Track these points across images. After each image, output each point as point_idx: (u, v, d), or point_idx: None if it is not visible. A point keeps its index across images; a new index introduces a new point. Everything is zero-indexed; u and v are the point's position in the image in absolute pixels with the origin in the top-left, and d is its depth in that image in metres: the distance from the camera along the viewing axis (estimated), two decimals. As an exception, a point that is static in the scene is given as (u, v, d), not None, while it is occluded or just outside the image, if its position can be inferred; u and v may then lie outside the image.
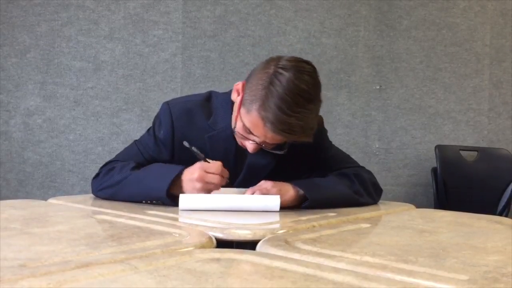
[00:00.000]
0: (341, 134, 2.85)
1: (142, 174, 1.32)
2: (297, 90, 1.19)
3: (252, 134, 1.27)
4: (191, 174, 1.26)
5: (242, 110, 1.28)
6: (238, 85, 1.33)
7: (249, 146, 1.30)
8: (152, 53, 2.72)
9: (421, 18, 2.92)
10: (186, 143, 1.32)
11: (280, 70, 1.21)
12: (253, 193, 1.28)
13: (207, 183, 1.25)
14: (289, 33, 2.83)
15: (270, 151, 1.33)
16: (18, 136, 2.68)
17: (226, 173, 1.29)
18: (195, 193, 1.26)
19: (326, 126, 1.54)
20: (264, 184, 1.29)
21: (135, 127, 2.70)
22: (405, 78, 2.92)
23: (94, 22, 2.69)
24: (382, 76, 2.91)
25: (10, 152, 2.68)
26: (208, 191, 1.26)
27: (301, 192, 1.30)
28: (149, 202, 1.32)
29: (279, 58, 1.26)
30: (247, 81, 1.30)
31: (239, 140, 1.35)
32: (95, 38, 2.70)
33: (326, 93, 2.84)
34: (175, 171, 1.27)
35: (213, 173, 1.26)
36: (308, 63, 1.27)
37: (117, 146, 2.61)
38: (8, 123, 2.68)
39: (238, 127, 1.30)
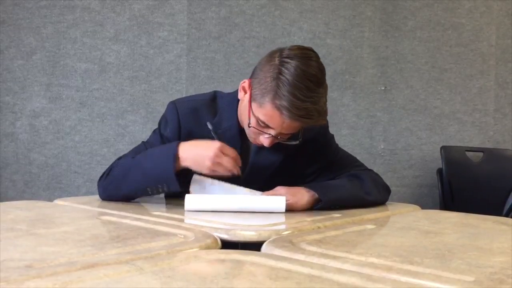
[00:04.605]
0: (346, 135, 2.85)
1: (140, 159, 1.34)
2: (306, 75, 1.21)
3: (268, 127, 1.27)
4: (206, 149, 1.25)
5: (254, 106, 1.28)
6: (244, 83, 1.33)
7: (265, 140, 1.29)
8: (157, 55, 2.73)
9: (426, 18, 2.91)
10: (209, 124, 1.34)
11: (286, 59, 1.23)
12: None
13: (219, 164, 1.24)
14: (294, 34, 2.83)
15: (285, 142, 1.32)
16: (24, 137, 2.69)
17: (240, 162, 1.28)
18: (202, 171, 1.26)
19: (331, 126, 1.54)
20: (280, 190, 1.29)
21: (140, 128, 2.70)
22: (410, 79, 2.92)
23: (100, 24, 2.70)
24: (387, 77, 2.90)
25: (16, 153, 2.69)
26: (216, 173, 1.25)
27: (316, 195, 1.30)
28: (151, 192, 1.32)
29: (281, 50, 1.27)
30: (252, 78, 1.30)
31: (253, 138, 1.34)
32: (101, 40, 2.70)
33: (331, 94, 2.83)
34: (172, 149, 1.28)
35: (229, 156, 1.25)
36: (310, 49, 1.29)
37: (123, 147, 2.62)
38: (14, 125, 2.69)
39: (252, 123, 1.29)
